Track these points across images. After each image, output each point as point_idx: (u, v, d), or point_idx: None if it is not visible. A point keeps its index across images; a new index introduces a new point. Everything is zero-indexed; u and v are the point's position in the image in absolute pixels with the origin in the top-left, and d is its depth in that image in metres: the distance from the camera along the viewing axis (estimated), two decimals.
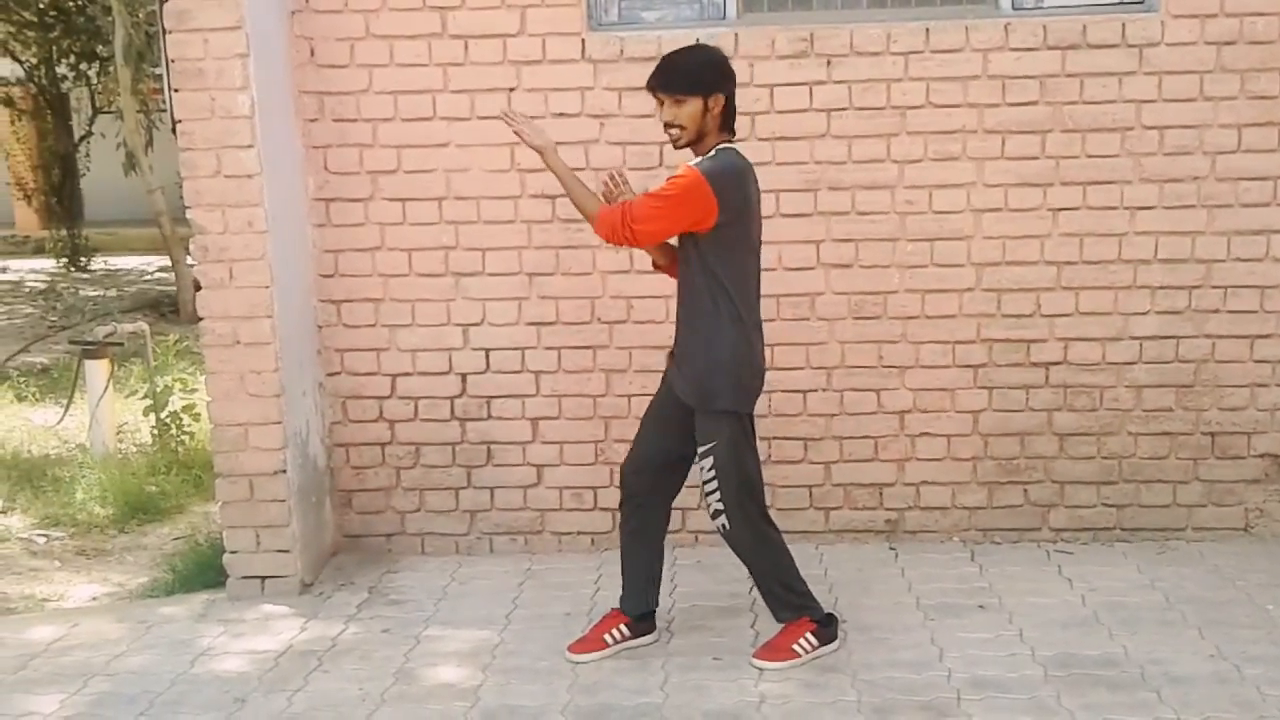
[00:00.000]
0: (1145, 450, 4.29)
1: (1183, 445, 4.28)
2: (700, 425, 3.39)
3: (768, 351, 4.21)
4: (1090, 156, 4.14)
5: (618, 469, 4.29)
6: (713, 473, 3.38)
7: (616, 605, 3.63)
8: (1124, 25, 4.07)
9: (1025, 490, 4.34)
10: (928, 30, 4.10)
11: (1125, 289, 4.21)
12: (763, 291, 4.21)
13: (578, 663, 3.50)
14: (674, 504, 3.63)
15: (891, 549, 4.34)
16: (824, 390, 4.31)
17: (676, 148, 3.35)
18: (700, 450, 3.41)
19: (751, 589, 3.78)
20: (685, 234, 3.32)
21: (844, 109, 4.15)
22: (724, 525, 3.43)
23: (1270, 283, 4.18)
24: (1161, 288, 4.20)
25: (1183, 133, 4.11)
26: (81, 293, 12.92)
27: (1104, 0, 4.14)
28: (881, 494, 4.37)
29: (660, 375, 3.57)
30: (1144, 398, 4.26)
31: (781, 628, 3.51)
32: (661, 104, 3.29)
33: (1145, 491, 4.32)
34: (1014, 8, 4.15)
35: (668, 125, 3.30)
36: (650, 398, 3.61)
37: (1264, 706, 3.14)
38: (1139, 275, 4.20)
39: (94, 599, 4.33)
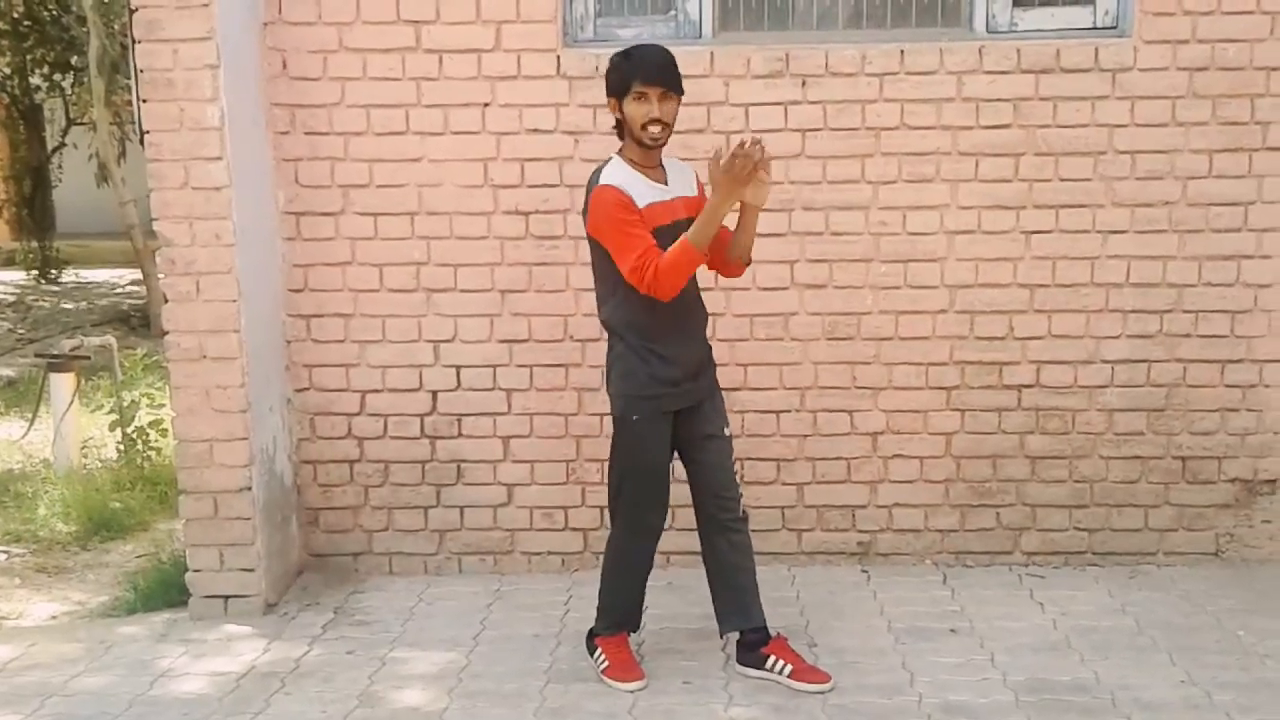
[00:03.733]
0: (1117, 474, 4.29)
1: (1154, 469, 4.29)
2: (721, 407, 3.49)
3: (740, 371, 4.26)
4: (1063, 180, 4.16)
5: (589, 489, 4.29)
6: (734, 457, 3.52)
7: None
8: (1097, 50, 4.09)
9: (997, 513, 4.34)
10: (902, 52, 4.11)
11: (1097, 312, 4.22)
12: (738, 311, 4.25)
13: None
14: None
15: (864, 571, 4.31)
16: (797, 411, 4.29)
17: (658, 147, 3.32)
18: (728, 432, 3.48)
19: None
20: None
21: (819, 129, 4.15)
22: (746, 513, 3.54)
23: (1241, 308, 4.20)
24: (1133, 311, 4.21)
25: (1154, 158, 4.13)
26: (51, 305, 12.77)
27: (1077, 25, 4.16)
28: (854, 516, 4.35)
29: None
30: (1115, 421, 4.27)
31: (777, 636, 3.52)
32: (651, 101, 3.24)
33: (1117, 515, 4.32)
34: (988, 30, 4.17)
35: (663, 124, 3.26)
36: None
37: None
38: (1111, 299, 4.21)
39: (53, 617, 4.24)
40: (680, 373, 3.37)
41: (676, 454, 3.49)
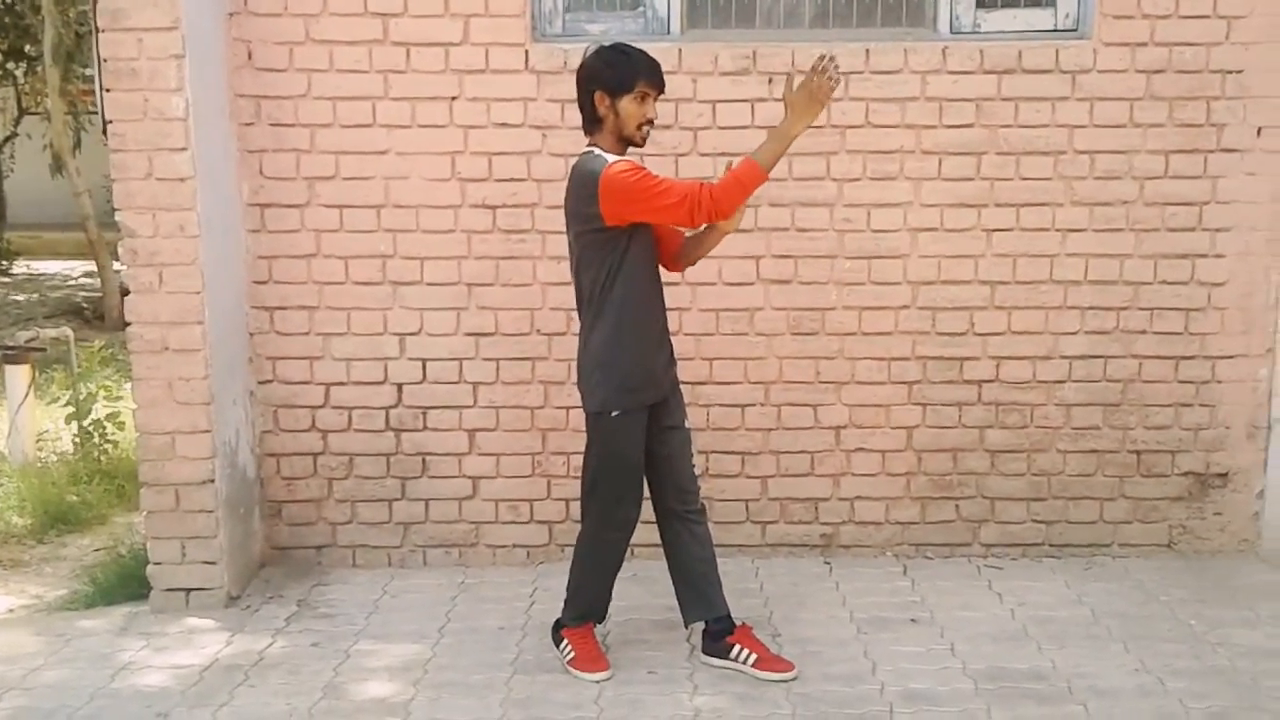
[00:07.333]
0: (1074, 467, 4.37)
1: (1110, 463, 4.37)
2: (681, 400, 3.52)
3: (707, 366, 4.29)
4: (1024, 179, 4.22)
5: (554, 481, 4.30)
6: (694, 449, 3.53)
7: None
8: (1058, 52, 4.16)
9: (957, 506, 4.40)
10: (868, 51, 4.16)
11: (1056, 309, 4.29)
12: (704, 305, 4.28)
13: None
14: None
15: (826, 563, 4.36)
16: (762, 405, 4.33)
17: (644, 145, 3.36)
18: (687, 424, 3.50)
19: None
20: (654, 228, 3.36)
21: None
22: (703, 505, 3.57)
23: (1194, 305, 4.29)
24: (1091, 308, 4.29)
25: (1113, 158, 4.22)
26: (1, 296, 12.55)
27: (1039, 27, 4.23)
28: (817, 508, 4.40)
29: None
30: (1073, 416, 4.35)
31: (742, 626, 3.56)
32: (650, 102, 3.29)
33: (1073, 508, 4.40)
34: (952, 31, 4.22)
35: (652, 123, 3.32)
36: None
37: (1186, 719, 3.21)
38: (1069, 296, 4.29)
39: (10, 611, 4.18)
40: (656, 365, 3.40)
41: None
